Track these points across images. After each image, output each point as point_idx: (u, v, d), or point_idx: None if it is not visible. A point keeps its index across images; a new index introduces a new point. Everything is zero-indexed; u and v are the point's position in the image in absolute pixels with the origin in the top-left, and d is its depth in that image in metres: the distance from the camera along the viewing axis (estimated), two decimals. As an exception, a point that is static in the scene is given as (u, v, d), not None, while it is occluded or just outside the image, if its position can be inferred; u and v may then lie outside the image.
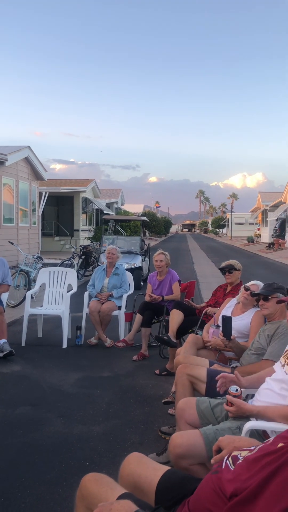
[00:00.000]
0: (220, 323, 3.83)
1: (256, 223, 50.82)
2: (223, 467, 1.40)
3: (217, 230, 79.22)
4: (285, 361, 2.37)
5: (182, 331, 4.84)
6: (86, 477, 1.70)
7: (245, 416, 2.27)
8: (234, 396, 2.29)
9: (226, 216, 72.32)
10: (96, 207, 26.00)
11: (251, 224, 56.21)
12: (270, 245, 31.00)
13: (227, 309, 3.99)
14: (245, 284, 3.95)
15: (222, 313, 3.92)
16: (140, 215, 32.36)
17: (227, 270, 4.77)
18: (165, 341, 4.66)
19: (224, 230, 73.90)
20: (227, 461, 1.42)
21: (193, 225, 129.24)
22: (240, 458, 1.39)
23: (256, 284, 3.86)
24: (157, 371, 4.86)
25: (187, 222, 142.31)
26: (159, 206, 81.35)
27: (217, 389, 2.51)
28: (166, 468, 1.76)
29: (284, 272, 16.55)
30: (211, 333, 3.87)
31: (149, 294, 5.54)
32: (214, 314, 4.44)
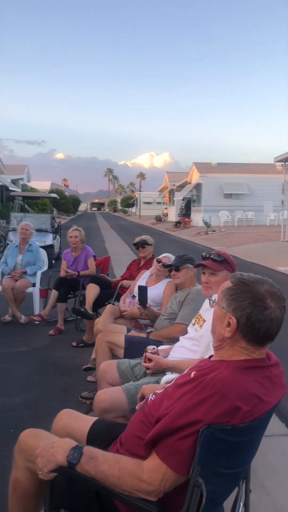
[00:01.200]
0: (136, 294, 4.10)
1: (163, 203, 52.32)
2: (148, 402, 1.63)
3: (126, 209, 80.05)
4: (196, 321, 2.68)
5: (98, 304, 5.04)
6: (23, 433, 1.83)
7: (161, 371, 2.55)
8: (152, 353, 2.56)
9: (135, 195, 73.32)
10: (1, 183, 24.89)
11: (158, 203, 57.67)
12: (177, 224, 32.25)
13: (141, 280, 4.25)
14: (157, 257, 4.23)
15: (137, 284, 4.19)
16: (48, 192, 31.61)
17: (140, 245, 5.03)
18: (82, 313, 4.83)
19: (133, 209, 74.97)
20: (151, 397, 1.66)
21: (102, 204, 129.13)
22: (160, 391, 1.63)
23: (167, 256, 4.16)
24: (74, 343, 5.02)
25: (96, 200, 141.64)
26: (68, 185, 79.72)
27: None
28: (95, 418, 1.97)
29: (189, 248, 17.43)
30: (127, 303, 4.12)
31: (65, 270, 5.64)
32: (129, 286, 4.69)
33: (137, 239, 5.12)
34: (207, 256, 2.58)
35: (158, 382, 2.48)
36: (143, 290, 3.55)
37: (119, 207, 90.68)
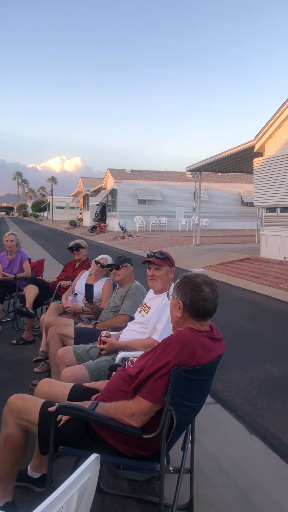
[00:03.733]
0: (77, 292, 4.56)
1: (77, 207, 52.41)
2: (126, 367, 2.16)
3: (38, 213, 78.47)
4: (141, 309, 3.23)
5: (38, 303, 5.38)
6: (12, 397, 2.25)
7: (114, 350, 3.06)
8: (106, 336, 3.07)
9: (47, 200, 72.25)
10: None
11: (72, 208, 57.58)
12: (93, 229, 32.67)
13: (82, 280, 4.71)
14: (95, 259, 4.71)
15: (78, 283, 4.65)
16: None
17: (75, 248, 5.47)
18: (24, 312, 5.14)
19: (45, 214, 73.79)
20: (128, 363, 2.18)
21: (11, 208, 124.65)
22: (135, 359, 2.17)
23: (104, 258, 4.66)
24: (14, 341, 5.30)
25: (4, 204, 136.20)
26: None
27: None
28: (72, 384, 2.43)
29: (109, 253, 17.95)
30: (69, 300, 4.54)
31: (2, 273, 5.86)
32: (67, 286, 5.12)
33: (71, 243, 5.55)
34: (152, 254, 3.14)
35: (113, 359, 3.00)
36: (89, 288, 4.03)
37: (30, 211, 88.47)
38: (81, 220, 45.81)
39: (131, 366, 2.15)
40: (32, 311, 5.20)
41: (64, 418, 2.02)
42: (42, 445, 2.09)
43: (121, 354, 2.97)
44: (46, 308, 5.67)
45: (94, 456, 1.18)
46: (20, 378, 4.23)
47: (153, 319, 3.00)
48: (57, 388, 2.39)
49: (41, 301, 5.42)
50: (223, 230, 30.52)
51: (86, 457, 2.03)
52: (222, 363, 4.82)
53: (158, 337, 2.92)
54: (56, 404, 2.01)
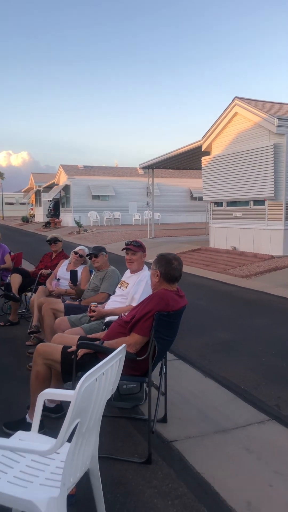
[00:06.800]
0: (59, 277, 5.44)
1: (28, 203, 52.09)
2: (121, 317, 3.12)
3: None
4: (121, 285, 4.18)
5: (22, 290, 6.19)
6: (39, 345, 3.14)
7: (102, 317, 4.00)
8: (95, 307, 4.00)
9: (-4, 196, 70.88)
10: None
11: (22, 204, 57.05)
12: (47, 224, 33.00)
13: (63, 267, 5.59)
14: (74, 250, 5.60)
15: (60, 270, 5.53)
16: None
17: (53, 241, 6.32)
18: (11, 297, 5.94)
19: (-6, 210, 72.37)
20: (122, 315, 3.13)
21: None
22: (127, 313, 3.12)
23: (82, 249, 5.57)
24: (1, 323, 6.09)
25: None
26: None
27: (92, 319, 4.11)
28: (78, 335, 3.35)
29: (68, 247, 18.66)
30: (54, 284, 5.41)
31: (-13, 265, 6.61)
32: (48, 274, 5.97)
33: (50, 237, 6.41)
34: (130, 243, 4.10)
35: (102, 323, 3.94)
36: (74, 273, 4.93)
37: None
38: (33, 216, 45.72)
39: (125, 316, 3.11)
40: (18, 296, 6.01)
41: (80, 353, 2.93)
42: (65, 376, 3.00)
43: (108, 319, 3.91)
44: (25, 295, 6.52)
45: (123, 345, 2.12)
46: (15, 350, 5.06)
47: (131, 291, 3.96)
48: (68, 339, 3.31)
49: (24, 288, 6.23)
50: (174, 224, 31.87)
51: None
52: (181, 332, 5.79)
53: (135, 304, 3.87)
54: (73, 347, 2.94)
